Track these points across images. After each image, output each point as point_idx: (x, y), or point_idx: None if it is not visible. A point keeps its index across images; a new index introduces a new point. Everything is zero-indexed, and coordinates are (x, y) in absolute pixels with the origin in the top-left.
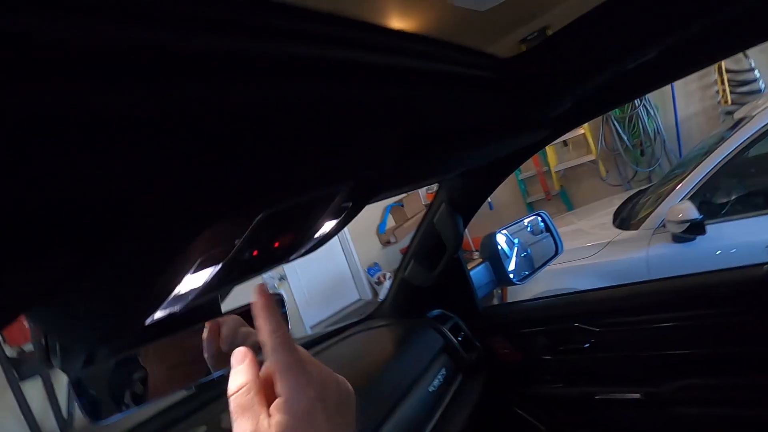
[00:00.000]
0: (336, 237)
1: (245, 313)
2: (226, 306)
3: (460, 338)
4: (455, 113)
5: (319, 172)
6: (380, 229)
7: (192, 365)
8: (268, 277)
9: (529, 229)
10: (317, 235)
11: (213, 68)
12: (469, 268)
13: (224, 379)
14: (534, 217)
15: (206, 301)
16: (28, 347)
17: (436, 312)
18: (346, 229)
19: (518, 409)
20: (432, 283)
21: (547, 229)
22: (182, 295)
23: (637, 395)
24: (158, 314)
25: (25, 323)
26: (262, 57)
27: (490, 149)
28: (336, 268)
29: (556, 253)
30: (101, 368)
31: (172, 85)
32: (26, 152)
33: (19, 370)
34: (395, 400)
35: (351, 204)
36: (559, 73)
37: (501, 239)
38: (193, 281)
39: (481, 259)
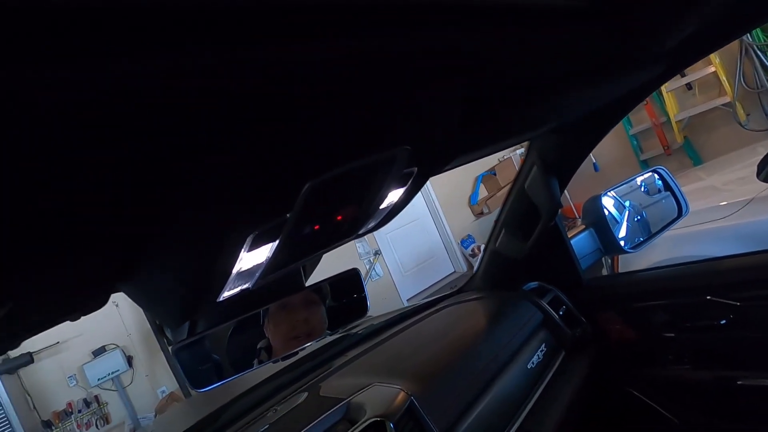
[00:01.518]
0: (427, 210)
1: (322, 288)
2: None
3: (561, 312)
4: (539, 55)
5: (364, 137)
6: (472, 200)
7: (278, 339)
8: (364, 252)
9: (643, 188)
10: (384, 206)
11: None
12: (570, 236)
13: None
14: (649, 174)
15: (287, 277)
16: None
17: (532, 285)
18: (436, 201)
19: (634, 391)
20: (526, 254)
21: (667, 187)
22: (247, 271)
23: None
24: (229, 291)
25: None
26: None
27: (587, 97)
28: (429, 241)
29: (680, 215)
30: (200, 342)
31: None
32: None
33: (167, 336)
34: (491, 376)
35: (416, 170)
36: None
37: (608, 202)
38: (254, 258)
39: (583, 226)
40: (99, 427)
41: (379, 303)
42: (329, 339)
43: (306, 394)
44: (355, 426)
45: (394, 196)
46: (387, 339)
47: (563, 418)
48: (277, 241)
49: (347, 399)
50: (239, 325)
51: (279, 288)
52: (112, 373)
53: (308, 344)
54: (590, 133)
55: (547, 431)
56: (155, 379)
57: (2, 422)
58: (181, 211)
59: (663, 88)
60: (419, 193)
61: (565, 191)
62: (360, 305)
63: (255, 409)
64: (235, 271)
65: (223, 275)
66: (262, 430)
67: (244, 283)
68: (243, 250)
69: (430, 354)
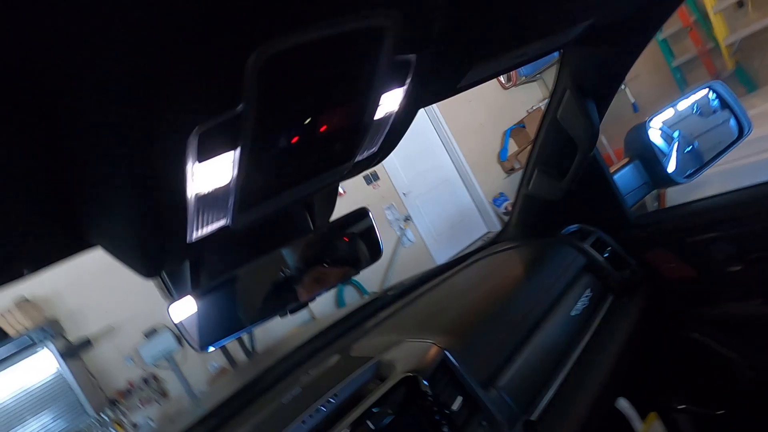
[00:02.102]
0: (455, 170)
1: (329, 231)
2: None
3: (606, 254)
4: None
5: None
6: (501, 156)
7: (282, 292)
8: (393, 219)
9: (695, 111)
10: (379, 115)
11: None
12: (612, 171)
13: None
14: (704, 91)
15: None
16: None
17: (572, 228)
18: (464, 160)
19: (694, 334)
20: (563, 194)
21: (724, 105)
22: (213, 198)
23: None
24: (200, 229)
25: None
26: None
27: None
28: (460, 202)
29: (741, 136)
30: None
31: None
32: None
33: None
34: (530, 327)
35: (414, 60)
36: None
37: (654, 132)
38: (213, 175)
39: (627, 159)
40: (160, 402)
41: (413, 269)
42: (362, 302)
43: (338, 356)
44: (385, 383)
45: (390, 101)
46: (417, 297)
47: (614, 367)
48: (238, 150)
49: (376, 357)
50: (241, 277)
51: (281, 231)
52: (165, 352)
53: (320, 294)
54: (630, 42)
55: (596, 382)
56: (206, 355)
57: (73, 403)
58: (85, 112)
59: (710, 8)
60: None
61: (602, 137)
62: (373, 247)
63: (288, 375)
64: (192, 194)
65: (177, 200)
66: (295, 392)
67: (219, 218)
68: (190, 158)
69: (463, 307)
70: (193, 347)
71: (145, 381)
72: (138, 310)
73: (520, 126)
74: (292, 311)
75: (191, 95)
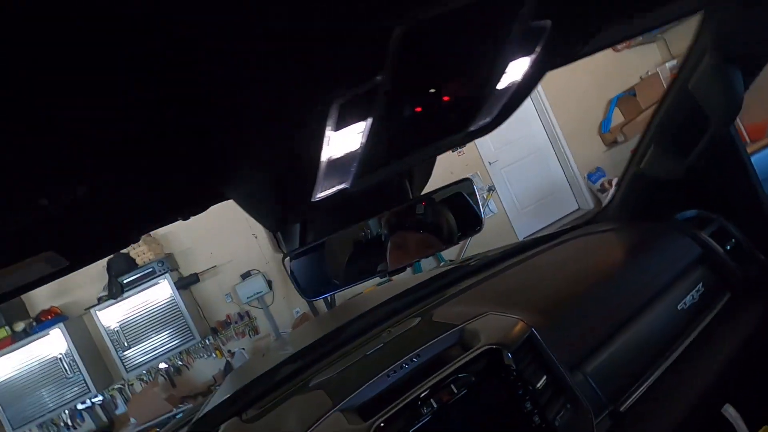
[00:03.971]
0: (548, 140)
1: (431, 199)
2: None
3: (728, 247)
4: None
5: None
6: (603, 127)
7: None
8: (476, 189)
9: None
10: (502, 85)
11: None
12: (749, 152)
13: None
14: None
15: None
16: None
17: (689, 213)
18: (558, 130)
19: None
20: (684, 174)
21: None
22: (341, 163)
23: None
24: (324, 190)
25: None
26: None
27: None
28: (549, 175)
29: None
30: (309, 253)
31: None
32: None
33: (282, 250)
34: (629, 314)
35: (549, 26)
36: None
37: None
38: (345, 143)
39: None
40: (251, 336)
41: (492, 241)
42: (443, 268)
43: (418, 319)
44: (469, 352)
45: (515, 70)
46: (503, 270)
47: (724, 371)
48: (370, 120)
49: (461, 325)
50: (348, 238)
51: (383, 197)
52: (257, 293)
53: (418, 260)
54: None
55: (700, 383)
56: (291, 301)
57: (184, 326)
58: (254, 82)
59: None
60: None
61: None
62: (474, 218)
63: (369, 330)
64: (325, 158)
65: (312, 162)
66: (376, 348)
67: (340, 181)
68: (329, 126)
69: (555, 286)
70: (300, 294)
71: (240, 316)
72: (237, 255)
73: (630, 94)
74: (390, 274)
75: (339, 68)
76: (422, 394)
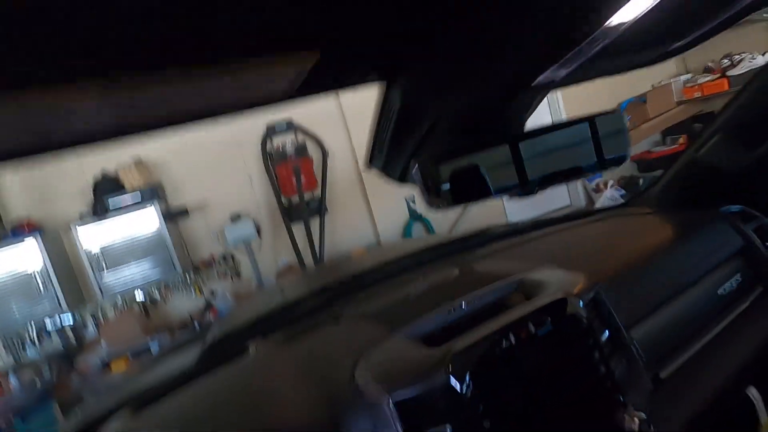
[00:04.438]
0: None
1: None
2: None
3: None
4: None
5: None
6: None
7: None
8: None
9: None
10: None
11: None
12: None
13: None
14: None
15: None
16: (295, 199)
17: (734, 208)
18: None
19: None
20: (746, 167)
21: None
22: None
23: None
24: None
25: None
26: None
27: None
28: None
29: None
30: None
31: None
32: None
33: (290, 215)
34: (674, 291)
35: None
36: None
37: None
38: None
39: None
40: (233, 279)
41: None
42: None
43: (457, 270)
44: (541, 297)
45: None
46: (543, 236)
47: (755, 355)
48: None
49: (518, 276)
50: (495, 153)
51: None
52: (245, 237)
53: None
54: None
55: (731, 363)
56: (277, 250)
57: (166, 259)
58: None
59: None
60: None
61: None
62: (620, 147)
63: (391, 278)
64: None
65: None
66: (423, 288)
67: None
68: None
69: (607, 253)
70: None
71: (225, 258)
72: (229, 195)
73: (640, 100)
74: (526, 193)
75: None
76: (501, 329)
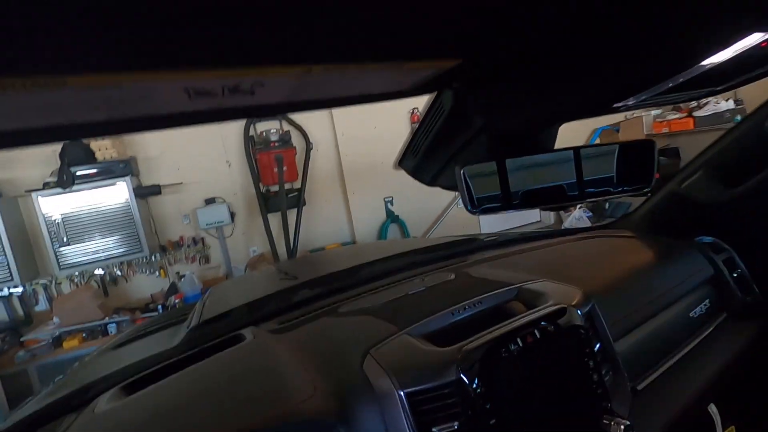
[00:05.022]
0: None
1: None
2: None
3: (735, 275)
4: None
5: None
6: None
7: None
8: None
9: None
10: None
11: None
12: None
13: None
14: None
15: None
16: (274, 188)
17: (706, 239)
18: None
19: None
20: (722, 201)
21: None
22: None
23: None
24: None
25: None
26: None
27: None
28: None
29: None
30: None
31: None
32: None
33: (267, 204)
34: (653, 311)
35: None
36: None
37: None
38: None
39: None
40: (201, 263)
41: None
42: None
43: (453, 274)
44: (545, 306)
45: None
46: (532, 249)
47: (718, 376)
48: None
49: (518, 284)
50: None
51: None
52: (218, 222)
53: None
54: None
55: (696, 382)
56: (250, 238)
57: (133, 236)
58: None
59: None
60: None
61: None
62: (645, 177)
63: (385, 278)
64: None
65: None
66: (419, 290)
67: None
68: None
69: (595, 270)
70: (467, 206)
71: (195, 241)
72: (206, 178)
73: (614, 129)
74: (556, 209)
75: None
76: (509, 332)
